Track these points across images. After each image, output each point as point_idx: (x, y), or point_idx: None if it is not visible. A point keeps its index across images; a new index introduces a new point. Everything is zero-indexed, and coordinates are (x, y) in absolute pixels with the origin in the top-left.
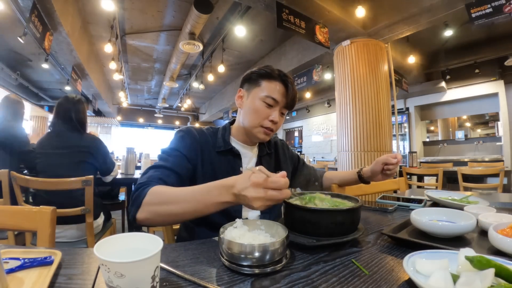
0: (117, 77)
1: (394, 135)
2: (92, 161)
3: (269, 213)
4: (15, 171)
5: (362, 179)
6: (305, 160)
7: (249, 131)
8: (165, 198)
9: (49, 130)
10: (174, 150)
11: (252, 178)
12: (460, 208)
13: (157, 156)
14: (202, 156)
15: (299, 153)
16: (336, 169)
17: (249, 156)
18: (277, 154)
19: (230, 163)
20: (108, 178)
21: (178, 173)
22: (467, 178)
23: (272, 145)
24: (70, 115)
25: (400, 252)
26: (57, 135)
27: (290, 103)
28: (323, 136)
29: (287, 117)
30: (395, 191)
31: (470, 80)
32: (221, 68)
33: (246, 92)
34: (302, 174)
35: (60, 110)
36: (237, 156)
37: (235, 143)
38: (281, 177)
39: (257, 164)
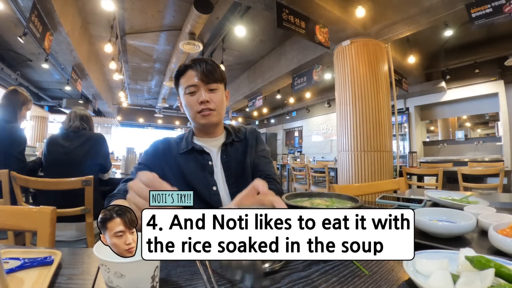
0: (117, 77)
1: (394, 135)
2: (98, 158)
3: (236, 187)
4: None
5: None
6: (305, 160)
7: (195, 124)
8: None
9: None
10: (140, 164)
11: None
12: (460, 208)
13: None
14: (166, 164)
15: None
16: (336, 169)
17: (216, 147)
18: (246, 140)
19: (198, 161)
20: (106, 176)
21: None
22: (467, 178)
23: (242, 133)
24: (78, 126)
25: None
26: (64, 135)
27: (206, 73)
28: (323, 136)
29: (287, 117)
30: (395, 191)
31: (470, 80)
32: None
33: (179, 98)
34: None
35: (70, 121)
36: (202, 152)
37: (198, 141)
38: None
39: (222, 151)
